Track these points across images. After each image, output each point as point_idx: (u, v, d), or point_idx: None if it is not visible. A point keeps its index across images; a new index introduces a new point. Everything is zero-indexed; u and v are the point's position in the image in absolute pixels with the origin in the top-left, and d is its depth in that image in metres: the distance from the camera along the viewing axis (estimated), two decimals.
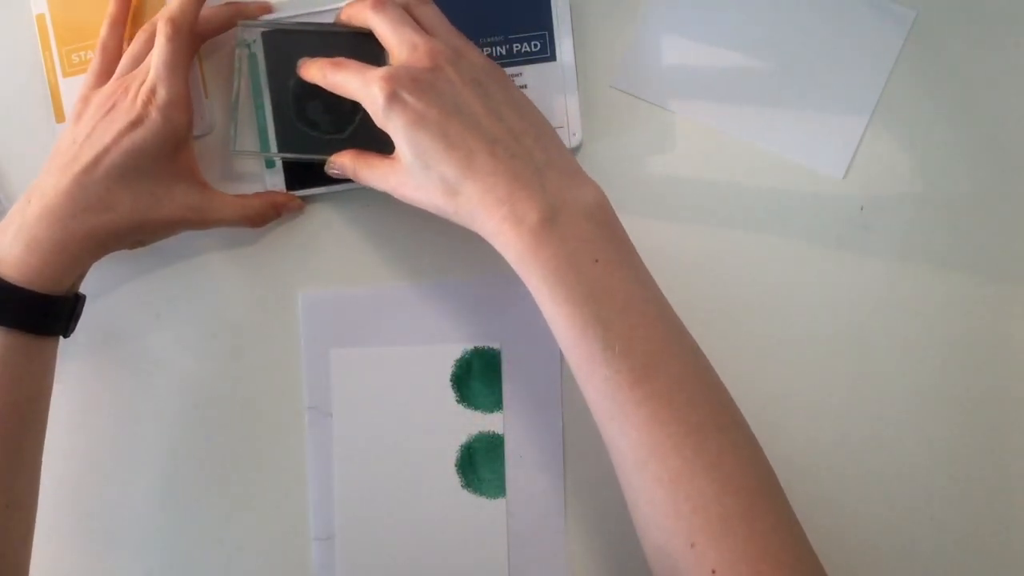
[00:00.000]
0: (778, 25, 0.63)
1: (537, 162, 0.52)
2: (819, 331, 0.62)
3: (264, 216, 0.62)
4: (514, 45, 0.62)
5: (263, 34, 0.62)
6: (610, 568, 0.63)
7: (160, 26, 0.57)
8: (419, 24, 0.55)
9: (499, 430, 0.63)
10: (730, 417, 0.50)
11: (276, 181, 0.63)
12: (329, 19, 0.61)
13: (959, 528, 0.61)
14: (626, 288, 0.50)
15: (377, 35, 0.56)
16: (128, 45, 0.61)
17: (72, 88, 0.64)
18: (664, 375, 0.49)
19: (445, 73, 0.53)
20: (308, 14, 0.62)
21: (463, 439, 0.63)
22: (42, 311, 0.56)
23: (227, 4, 0.62)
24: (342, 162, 0.58)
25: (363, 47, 0.59)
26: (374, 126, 0.54)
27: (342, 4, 0.62)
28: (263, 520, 0.60)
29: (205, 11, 0.59)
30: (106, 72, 0.60)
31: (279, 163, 0.63)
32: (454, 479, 0.63)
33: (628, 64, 0.63)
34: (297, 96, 0.62)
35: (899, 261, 0.62)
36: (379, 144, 0.55)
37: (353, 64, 0.55)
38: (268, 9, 0.62)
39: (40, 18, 0.64)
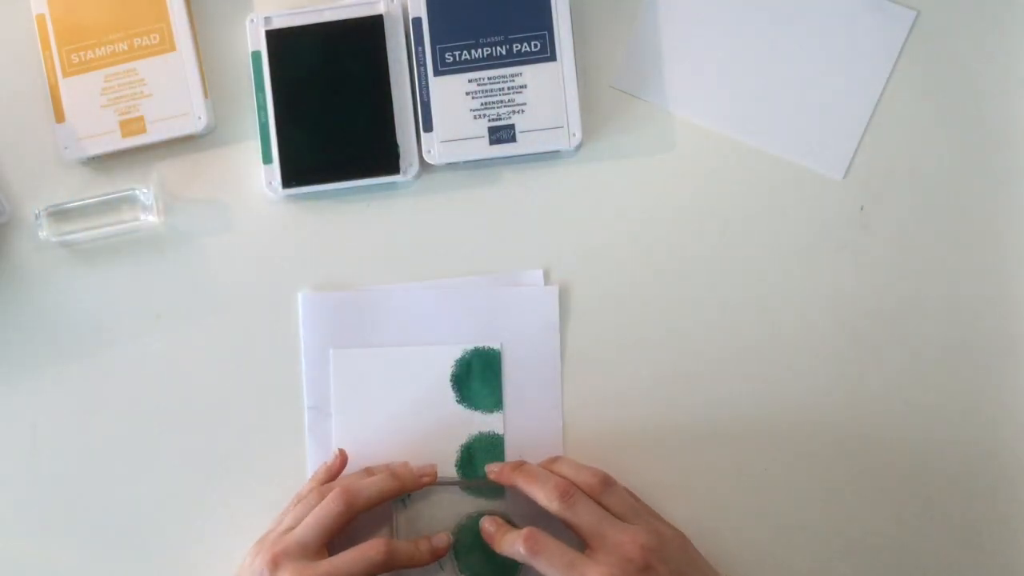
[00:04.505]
0: (778, 25, 0.63)
1: None
2: (819, 331, 0.62)
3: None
4: (514, 45, 0.62)
5: (267, 32, 0.62)
6: None
7: (337, 493, 0.57)
8: (609, 510, 0.56)
9: (499, 430, 0.63)
10: None
11: (273, 176, 0.63)
12: (333, 16, 0.62)
13: (959, 528, 0.61)
14: None
15: (571, 528, 0.56)
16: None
17: (72, 88, 0.64)
18: None
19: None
20: (312, 11, 0.62)
21: (463, 439, 0.63)
22: None
23: (391, 477, 0.59)
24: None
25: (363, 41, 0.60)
26: None
27: (346, 3, 0.62)
28: (263, 519, 0.60)
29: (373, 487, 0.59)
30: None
31: (276, 158, 0.63)
32: (455, 479, 0.63)
33: (628, 64, 0.63)
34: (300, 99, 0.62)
35: (899, 261, 0.62)
36: None
37: (558, 549, 0.55)
38: (428, 482, 0.61)
39: (40, 18, 0.64)
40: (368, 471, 0.61)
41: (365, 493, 0.58)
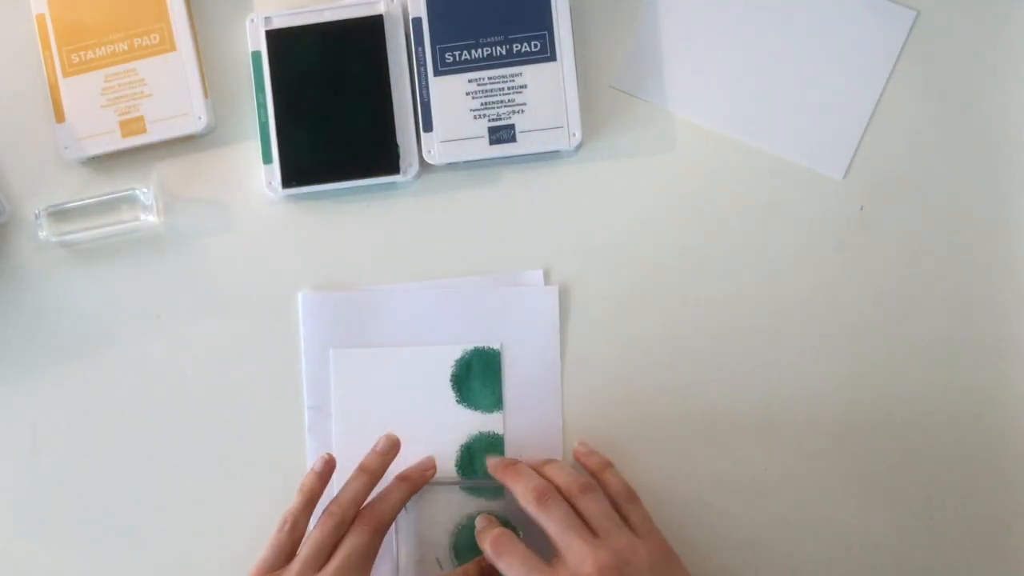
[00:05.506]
0: (778, 25, 0.63)
1: None
2: (819, 331, 0.62)
3: None
4: (514, 45, 0.62)
5: (267, 32, 0.62)
6: None
7: (364, 523, 0.57)
8: (584, 516, 0.56)
9: (499, 430, 0.63)
10: None
11: (273, 176, 0.63)
12: (333, 16, 0.62)
13: (959, 528, 0.61)
14: None
15: (543, 530, 0.56)
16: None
17: (72, 88, 0.64)
18: None
19: None
20: (312, 11, 0.62)
21: (463, 439, 0.63)
22: None
23: (403, 483, 0.60)
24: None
25: (363, 41, 0.61)
26: None
27: (346, 3, 0.62)
28: (264, 520, 0.60)
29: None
30: (291, 552, 0.57)
31: (276, 158, 0.63)
32: (455, 480, 0.63)
33: (628, 64, 0.63)
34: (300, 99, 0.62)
35: (899, 261, 0.62)
36: None
37: (519, 553, 0.55)
38: (432, 475, 0.62)
39: (40, 18, 0.64)
40: (362, 469, 0.60)
41: (387, 510, 0.58)
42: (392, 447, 0.61)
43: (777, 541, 0.62)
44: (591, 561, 0.53)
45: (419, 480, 0.61)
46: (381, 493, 0.59)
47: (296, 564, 0.56)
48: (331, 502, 0.59)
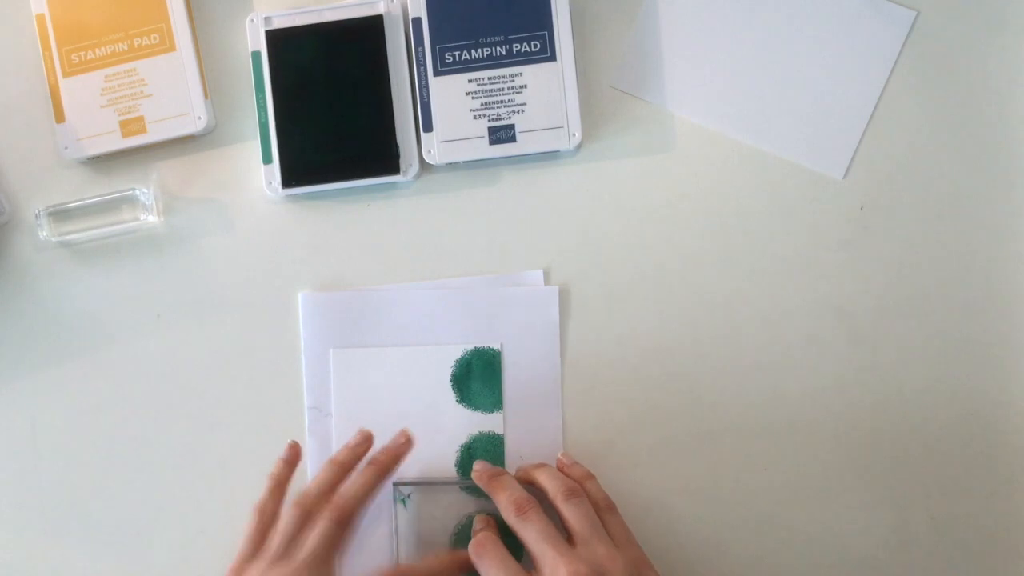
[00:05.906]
0: (778, 25, 0.63)
1: None
2: (819, 331, 0.62)
3: None
4: (514, 45, 0.62)
5: (267, 32, 0.62)
6: None
7: (328, 512, 0.57)
8: (568, 522, 0.56)
9: (499, 430, 0.63)
10: None
11: (273, 176, 0.63)
12: (333, 16, 0.62)
13: (959, 528, 0.61)
14: None
15: (523, 541, 0.56)
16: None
17: (72, 88, 0.64)
18: None
19: None
20: (312, 11, 0.62)
21: (463, 439, 0.63)
22: None
23: (370, 467, 0.60)
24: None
25: (363, 41, 0.61)
26: None
27: (346, 3, 0.62)
28: None
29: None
30: (263, 539, 0.57)
31: (276, 158, 0.63)
32: (455, 479, 0.63)
33: (628, 64, 0.63)
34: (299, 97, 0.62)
35: (899, 261, 0.62)
36: None
37: (499, 557, 0.56)
38: (406, 449, 0.62)
39: (40, 18, 0.64)
40: (331, 462, 0.60)
41: (351, 498, 0.58)
42: (364, 440, 0.61)
43: (777, 539, 0.62)
44: (563, 571, 0.53)
45: (389, 461, 0.60)
46: (347, 482, 0.59)
47: (264, 555, 0.56)
48: (298, 493, 0.58)
